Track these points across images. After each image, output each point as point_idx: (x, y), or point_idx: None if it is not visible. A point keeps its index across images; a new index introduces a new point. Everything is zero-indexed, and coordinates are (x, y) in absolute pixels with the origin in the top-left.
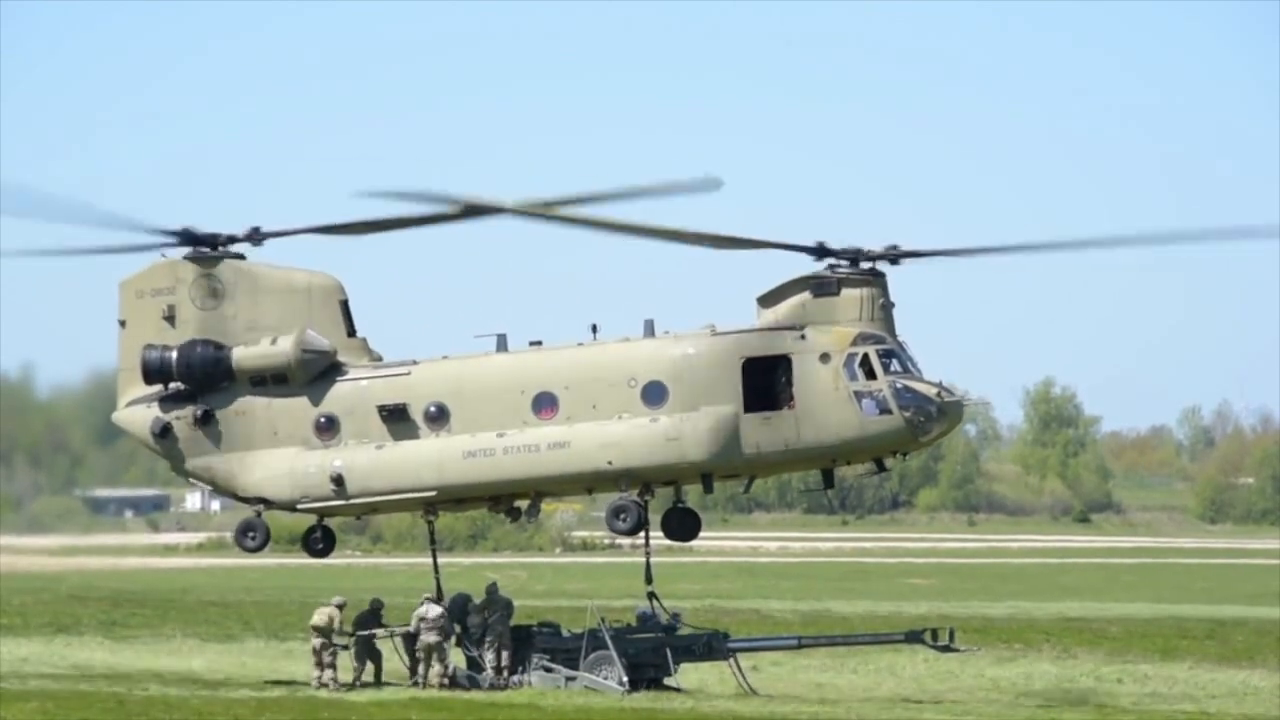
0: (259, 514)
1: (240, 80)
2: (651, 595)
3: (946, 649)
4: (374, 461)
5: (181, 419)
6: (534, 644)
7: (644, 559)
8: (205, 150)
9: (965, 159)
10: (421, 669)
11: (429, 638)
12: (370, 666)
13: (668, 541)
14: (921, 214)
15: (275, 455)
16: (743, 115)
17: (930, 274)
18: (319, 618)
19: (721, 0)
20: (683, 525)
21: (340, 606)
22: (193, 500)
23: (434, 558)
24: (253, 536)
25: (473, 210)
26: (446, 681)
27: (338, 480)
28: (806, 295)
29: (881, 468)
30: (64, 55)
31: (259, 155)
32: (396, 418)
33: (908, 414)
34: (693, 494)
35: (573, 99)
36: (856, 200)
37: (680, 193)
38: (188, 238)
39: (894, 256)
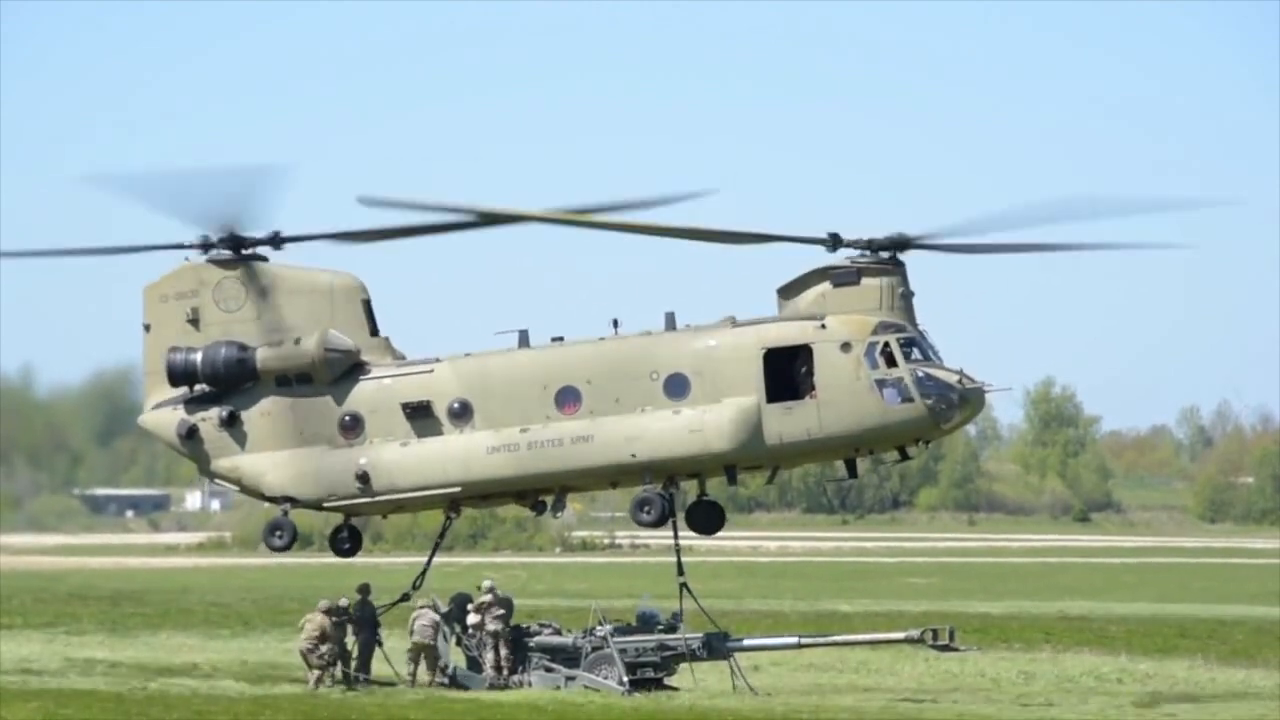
0: (285, 513)
1: (245, 81)
2: (684, 586)
3: (946, 649)
4: (399, 459)
5: (207, 420)
6: (534, 644)
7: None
8: (216, 150)
9: (965, 158)
10: (411, 668)
11: (419, 639)
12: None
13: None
14: (922, 213)
15: (301, 455)
16: (747, 114)
17: (929, 273)
18: (311, 624)
19: (724, 0)
20: (708, 518)
21: (326, 611)
22: (193, 500)
23: (430, 556)
24: (280, 535)
25: (489, 219)
26: (446, 681)
27: (363, 478)
28: (826, 285)
29: (905, 456)
30: (65, 55)
31: (266, 156)
32: (420, 415)
33: (929, 401)
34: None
35: (572, 99)
36: (860, 198)
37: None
38: (210, 241)
39: (902, 245)
